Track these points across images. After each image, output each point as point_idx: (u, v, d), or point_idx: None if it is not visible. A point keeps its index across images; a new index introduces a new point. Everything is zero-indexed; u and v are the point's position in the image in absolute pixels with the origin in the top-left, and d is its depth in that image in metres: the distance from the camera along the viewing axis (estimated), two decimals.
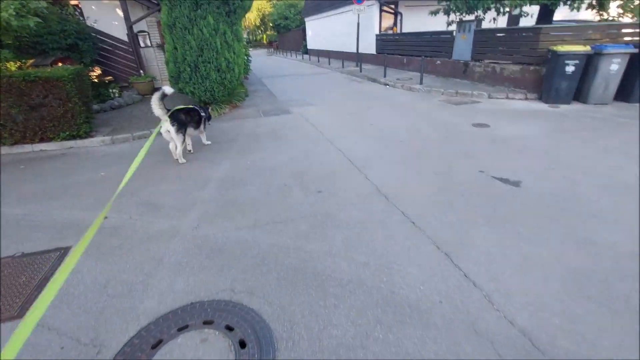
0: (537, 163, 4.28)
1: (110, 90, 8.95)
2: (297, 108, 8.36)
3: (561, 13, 12.50)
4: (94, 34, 9.56)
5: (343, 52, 19.68)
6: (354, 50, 16.88)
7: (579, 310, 2.05)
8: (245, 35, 45.88)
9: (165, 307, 2.22)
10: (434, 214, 3.22)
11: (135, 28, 10.36)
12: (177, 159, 4.86)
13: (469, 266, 2.46)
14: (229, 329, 2.00)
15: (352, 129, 6.24)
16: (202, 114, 5.28)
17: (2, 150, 5.66)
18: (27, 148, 5.77)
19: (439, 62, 11.42)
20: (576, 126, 5.74)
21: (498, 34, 9.11)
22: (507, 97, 8.03)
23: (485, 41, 9.49)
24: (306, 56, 27.21)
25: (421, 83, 10.03)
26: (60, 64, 7.89)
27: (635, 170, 3.90)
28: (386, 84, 11.12)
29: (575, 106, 7.06)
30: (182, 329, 2.02)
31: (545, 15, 9.03)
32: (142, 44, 10.97)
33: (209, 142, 5.75)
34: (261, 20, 52.36)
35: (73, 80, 5.60)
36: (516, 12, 8.57)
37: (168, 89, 4.56)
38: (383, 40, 15.90)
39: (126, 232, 3.16)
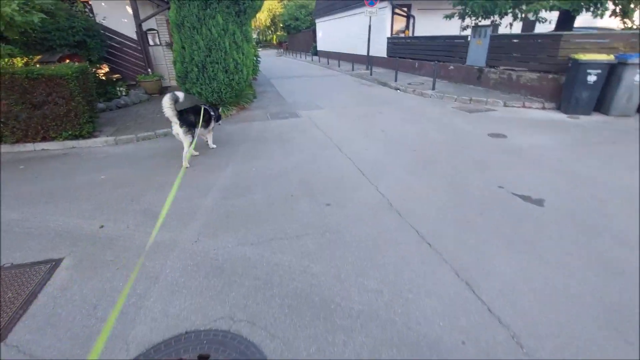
0: (560, 179, 4.01)
1: (118, 89, 8.83)
2: (306, 111, 8.16)
3: (579, 20, 12.13)
4: (102, 31, 9.47)
5: (353, 54, 19.46)
6: (365, 53, 16.64)
7: (620, 355, 1.81)
8: (255, 36, 46.01)
9: (158, 335, 2.02)
10: (450, 233, 2.99)
11: (145, 26, 10.25)
12: (186, 167, 4.69)
13: (492, 298, 2.23)
14: None
15: (362, 135, 6.02)
16: (212, 113, 5.23)
17: (3, 149, 5.53)
18: (29, 147, 5.64)
19: (452, 67, 11.14)
20: (599, 139, 5.45)
21: (515, 40, 8.80)
22: (524, 106, 7.74)
23: (501, 47, 9.19)
24: (316, 58, 27.00)
25: (433, 88, 9.76)
26: (67, 61, 7.78)
27: None
28: (397, 89, 10.87)
29: (596, 117, 6.75)
30: None
31: (565, 21, 8.72)
32: (151, 42, 10.87)
33: (215, 146, 5.57)
34: (271, 20, 52.28)
35: (77, 78, 5.46)
36: (532, 17, 8.29)
37: (181, 94, 4.53)
38: (394, 43, 15.64)
39: (122, 244, 2.97)
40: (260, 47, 45.47)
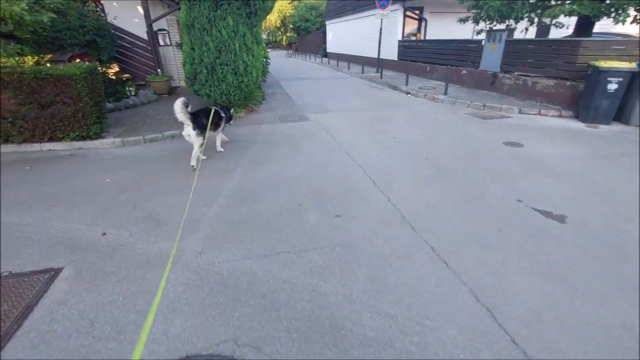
0: (581, 193, 3.81)
1: (127, 89, 8.79)
2: (315, 114, 8.02)
3: (597, 26, 11.82)
4: (113, 31, 9.45)
5: (363, 56, 19.28)
6: (375, 56, 16.46)
7: None
8: (264, 36, 46.00)
9: (157, 358, 1.90)
10: (468, 251, 2.82)
11: (155, 26, 10.23)
12: (192, 165, 4.66)
13: (517, 328, 2.06)
14: None
15: (372, 141, 5.86)
16: (222, 114, 5.27)
17: (10, 149, 5.49)
18: (36, 147, 5.59)
19: (464, 71, 10.92)
20: (620, 150, 5.21)
21: (531, 45, 8.57)
22: (540, 113, 7.50)
23: (516, 52, 8.96)
24: (325, 59, 26.89)
25: (445, 93, 9.55)
26: (77, 60, 7.78)
27: None
28: (408, 92, 10.68)
29: (616, 127, 6.50)
30: None
31: (584, 27, 8.44)
32: (161, 42, 10.85)
33: (222, 150, 5.47)
34: (282, 21, 52.35)
35: (85, 79, 5.40)
36: (550, 22, 8.04)
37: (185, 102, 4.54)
38: (406, 46, 15.43)
39: (124, 254, 2.86)
40: (270, 47, 45.59)
